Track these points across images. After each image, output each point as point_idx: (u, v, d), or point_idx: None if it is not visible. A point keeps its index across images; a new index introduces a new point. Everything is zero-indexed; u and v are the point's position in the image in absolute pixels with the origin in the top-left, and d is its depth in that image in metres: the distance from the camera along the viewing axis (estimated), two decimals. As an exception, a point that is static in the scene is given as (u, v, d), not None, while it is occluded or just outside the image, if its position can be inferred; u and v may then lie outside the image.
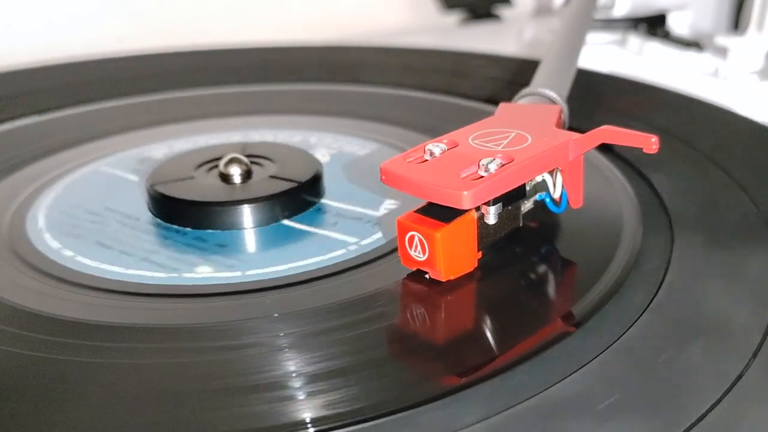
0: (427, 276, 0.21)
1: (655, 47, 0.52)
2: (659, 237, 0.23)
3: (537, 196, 0.23)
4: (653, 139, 0.21)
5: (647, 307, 0.20)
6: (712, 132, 0.32)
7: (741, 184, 0.27)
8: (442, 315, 0.21)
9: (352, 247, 0.24)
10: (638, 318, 0.19)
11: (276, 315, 0.20)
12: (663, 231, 0.24)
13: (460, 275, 0.21)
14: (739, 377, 0.17)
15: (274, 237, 0.25)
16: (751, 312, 0.19)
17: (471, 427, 0.16)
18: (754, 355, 0.18)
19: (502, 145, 0.22)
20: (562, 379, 0.17)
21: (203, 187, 0.26)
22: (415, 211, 0.21)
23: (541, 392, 0.17)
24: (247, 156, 0.27)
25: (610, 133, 0.22)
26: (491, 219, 0.21)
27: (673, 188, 0.27)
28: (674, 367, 0.17)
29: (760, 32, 0.47)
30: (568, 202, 0.23)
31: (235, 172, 0.26)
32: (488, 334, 0.19)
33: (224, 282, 0.22)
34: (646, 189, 0.27)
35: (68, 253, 0.24)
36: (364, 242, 0.24)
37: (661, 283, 0.21)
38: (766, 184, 0.26)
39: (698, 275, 0.21)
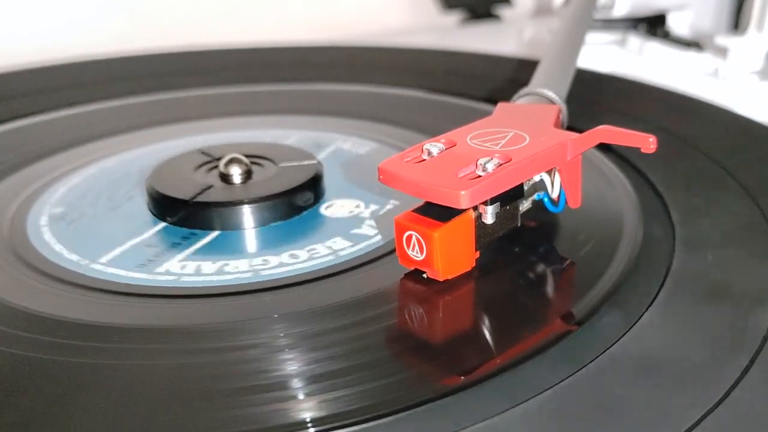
0: (425, 275, 0.21)
1: (655, 47, 0.52)
2: (660, 237, 0.23)
3: (535, 196, 0.23)
4: (651, 139, 0.21)
5: (648, 307, 0.20)
6: (712, 132, 0.32)
7: (741, 183, 0.27)
8: (440, 315, 0.21)
9: (351, 247, 0.24)
10: (639, 318, 0.19)
11: (276, 315, 0.20)
12: (663, 231, 0.24)
13: (458, 275, 0.21)
14: (742, 376, 0.17)
15: (273, 237, 0.25)
16: (753, 311, 0.19)
17: (471, 427, 0.16)
18: (757, 353, 0.18)
19: (500, 145, 0.22)
20: (562, 380, 0.17)
21: (203, 188, 0.26)
22: (412, 211, 0.21)
23: (541, 392, 0.17)
24: (247, 156, 0.27)
25: (608, 132, 0.22)
26: (489, 218, 0.21)
27: (673, 188, 0.27)
28: (675, 367, 0.17)
29: (760, 32, 0.47)
30: (566, 202, 0.23)
31: (235, 172, 0.27)
32: (487, 334, 0.19)
33: (224, 282, 0.22)
34: (647, 189, 0.27)
35: (68, 253, 0.24)
36: (362, 242, 0.24)
37: (662, 283, 0.21)
38: (766, 183, 0.26)
39: (699, 275, 0.21)
